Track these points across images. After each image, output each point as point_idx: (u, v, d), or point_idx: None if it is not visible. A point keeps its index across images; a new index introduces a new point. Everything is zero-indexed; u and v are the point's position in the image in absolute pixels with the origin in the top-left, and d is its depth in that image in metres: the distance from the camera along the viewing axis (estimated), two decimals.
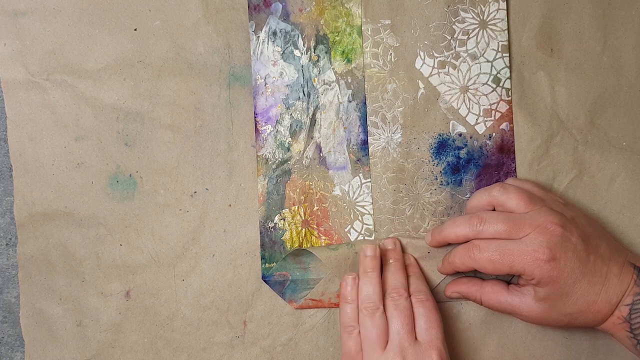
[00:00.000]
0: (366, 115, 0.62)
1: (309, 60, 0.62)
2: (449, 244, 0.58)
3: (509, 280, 0.59)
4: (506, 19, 0.61)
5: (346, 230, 0.61)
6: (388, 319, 0.56)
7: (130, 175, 0.62)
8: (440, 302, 0.61)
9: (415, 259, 0.61)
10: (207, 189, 0.62)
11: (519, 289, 0.56)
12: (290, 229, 0.61)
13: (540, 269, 0.53)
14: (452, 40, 0.61)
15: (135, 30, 0.62)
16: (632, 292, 0.54)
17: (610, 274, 0.54)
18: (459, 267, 0.57)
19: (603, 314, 0.54)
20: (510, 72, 0.61)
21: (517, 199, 0.56)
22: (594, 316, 0.54)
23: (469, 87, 0.61)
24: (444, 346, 0.56)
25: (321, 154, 0.62)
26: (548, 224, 0.54)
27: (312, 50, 0.62)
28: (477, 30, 0.61)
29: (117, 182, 0.62)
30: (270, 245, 0.61)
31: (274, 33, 0.62)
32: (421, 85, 0.61)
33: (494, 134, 0.61)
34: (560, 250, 0.53)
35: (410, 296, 0.58)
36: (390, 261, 0.60)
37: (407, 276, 0.59)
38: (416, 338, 0.56)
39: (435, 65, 0.61)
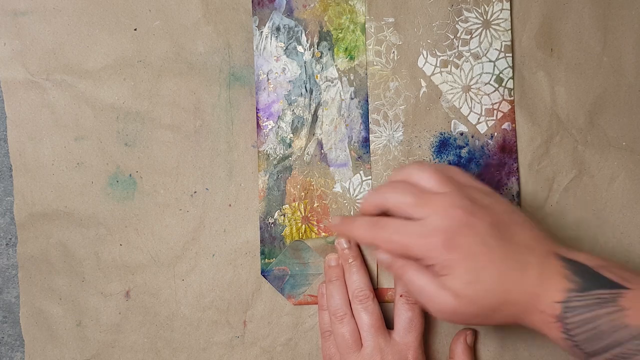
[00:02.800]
0: (368, 113, 0.59)
1: (312, 57, 0.59)
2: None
3: None
4: (510, 19, 0.58)
5: None
6: (357, 322, 0.54)
7: (130, 175, 0.59)
8: None
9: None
10: (207, 189, 0.59)
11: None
12: (290, 225, 0.59)
13: (435, 253, 0.46)
14: (455, 40, 0.58)
15: (135, 30, 0.60)
16: (562, 288, 0.45)
17: (529, 263, 0.46)
18: (357, 236, 0.52)
19: (523, 305, 0.45)
20: (513, 72, 0.58)
21: (430, 177, 0.49)
22: (513, 309, 0.46)
23: (471, 87, 0.58)
24: (421, 349, 0.55)
25: (322, 151, 0.59)
26: (452, 207, 0.47)
27: (315, 46, 0.59)
28: (480, 29, 0.58)
29: (117, 182, 0.59)
30: (270, 241, 0.59)
31: (278, 29, 0.59)
32: (423, 83, 0.58)
33: (495, 134, 0.58)
34: (460, 235, 0.46)
35: (399, 295, 0.55)
36: (350, 261, 0.56)
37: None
38: (392, 336, 0.54)
39: (438, 64, 0.58)
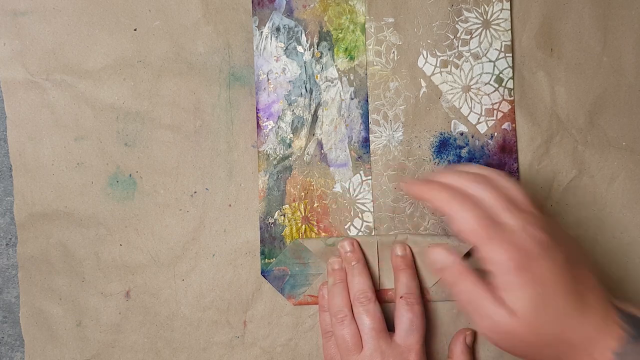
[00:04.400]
0: (368, 113, 0.58)
1: (312, 57, 0.59)
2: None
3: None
4: (510, 19, 0.58)
5: (346, 227, 0.58)
6: (358, 324, 0.54)
7: (130, 175, 0.59)
8: (438, 302, 0.58)
9: (412, 252, 0.57)
10: (207, 189, 0.59)
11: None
12: (290, 225, 0.58)
13: (506, 267, 0.44)
14: (455, 40, 0.58)
15: (135, 30, 0.59)
16: (618, 337, 0.43)
17: (590, 306, 0.44)
18: (436, 199, 0.48)
19: (575, 346, 0.44)
20: (513, 72, 0.58)
21: (520, 191, 0.47)
22: (564, 348, 0.44)
23: (471, 87, 0.58)
24: (423, 351, 0.54)
25: (322, 151, 0.59)
26: (540, 229, 0.45)
27: (315, 46, 0.59)
28: (480, 30, 0.58)
29: (117, 182, 0.59)
30: (269, 241, 0.58)
31: (278, 29, 0.59)
32: (423, 83, 0.58)
33: (495, 134, 0.58)
34: (538, 259, 0.44)
35: (399, 297, 0.55)
36: (353, 263, 0.57)
37: (399, 273, 0.56)
38: (393, 338, 0.54)
39: (438, 64, 0.58)
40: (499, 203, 0.46)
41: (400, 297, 0.54)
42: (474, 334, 0.57)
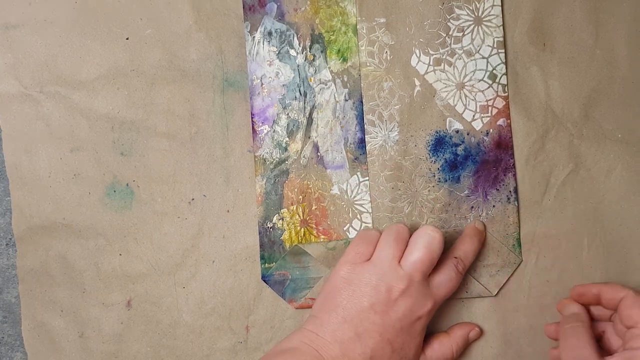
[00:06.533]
0: (363, 114, 0.58)
1: (305, 60, 0.58)
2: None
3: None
4: (501, 15, 0.57)
5: (345, 229, 0.58)
6: (411, 243, 0.52)
7: (127, 184, 0.59)
8: (450, 299, 0.57)
9: (485, 233, 0.57)
10: (204, 196, 0.59)
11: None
12: (289, 229, 0.58)
13: None
14: (447, 37, 0.58)
15: (127, 39, 0.59)
16: None
17: None
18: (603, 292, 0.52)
19: None
20: (506, 67, 0.57)
21: None
22: None
23: (465, 84, 0.57)
24: (435, 308, 0.53)
25: (319, 153, 0.58)
26: None
27: (308, 49, 0.58)
28: (472, 26, 0.58)
29: (115, 191, 0.59)
30: (269, 246, 0.58)
31: (270, 33, 0.58)
32: (417, 82, 0.58)
33: (491, 130, 0.57)
34: None
35: (453, 256, 0.54)
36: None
37: (465, 239, 0.56)
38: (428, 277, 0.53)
39: (431, 63, 0.58)
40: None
41: (455, 257, 0.53)
42: (480, 333, 0.56)
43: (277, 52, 0.58)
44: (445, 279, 0.52)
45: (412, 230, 0.53)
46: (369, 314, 0.50)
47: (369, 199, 0.58)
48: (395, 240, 0.51)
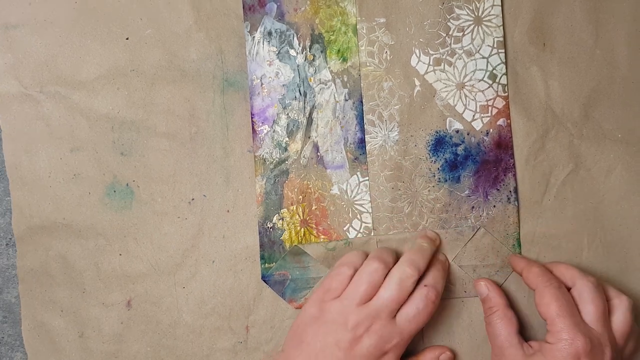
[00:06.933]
0: (363, 114, 0.58)
1: (305, 60, 0.58)
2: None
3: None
4: (501, 15, 0.57)
5: (345, 229, 0.58)
6: (386, 282, 0.52)
7: (127, 184, 0.59)
8: (442, 299, 0.56)
9: (448, 262, 0.57)
10: (204, 196, 0.58)
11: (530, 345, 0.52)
12: (289, 229, 0.58)
13: (564, 341, 0.49)
14: (447, 37, 0.58)
15: (127, 39, 0.59)
16: None
17: None
18: (527, 268, 0.54)
19: None
20: (506, 67, 0.57)
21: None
22: None
23: (465, 84, 0.57)
24: (407, 343, 0.52)
25: (318, 153, 0.58)
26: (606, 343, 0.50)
27: (308, 49, 0.58)
28: (472, 26, 0.57)
29: (115, 191, 0.59)
30: (269, 246, 0.58)
31: (269, 33, 0.58)
32: (417, 82, 0.58)
33: (491, 130, 0.57)
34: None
35: (423, 284, 0.53)
36: (424, 244, 0.56)
37: (432, 267, 0.55)
38: (395, 314, 0.52)
39: (431, 63, 0.58)
40: (592, 312, 0.50)
41: (425, 285, 0.53)
42: (452, 357, 0.56)
43: (277, 52, 0.58)
44: (413, 311, 0.51)
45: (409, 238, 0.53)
46: (334, 350, 0.50)
47: (369, 199, 0.57)
48: (367, 282, 0.52)
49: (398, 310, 0.51)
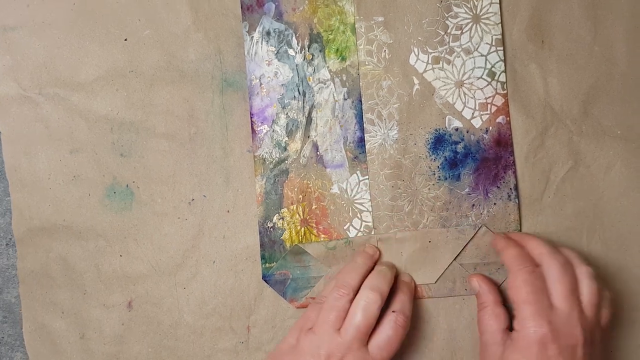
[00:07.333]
0: (362, 113, 0.58)
1: (304, 59, 0.58)
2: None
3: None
4: (499, 13, 0.57)
5: (345, 228, 0.58)
6: (350, 312, 0.52)
7: (127, 185, 0.59)
8: (443, 297, 0.57)
9: (414, 282, 0.57)
10: (204, 196, 0.58)
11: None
12: (290, 229, 0.58)
13: (534, 326, 0.49)
14: (445, 36, 0.57)
15: (125, 40, 0.59)
16: None
17: None
18: (504, 252, 0.54)
19: None
20: (505, 65, 0.57)
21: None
22: None
23: (464, 82, 0.57)
24: None
25: (318, 153, 0.58)
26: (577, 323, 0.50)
27: (306, 49, 0.58)
28: (470, 24, 0.57)
29: (114, 193, 0.59)
30: (269, 245, 0.58)
31: (268, 33, 0.58)
32: (416, 81, 0.57)
33: (490, 128, 0.57)
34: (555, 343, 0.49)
35: (391, 310, 0.54)
36: (382, 267, 0.56)
37: (398, 292, 0.55)
38: (366, 344, 0.52)
39: (430, 61, 0.57)
40: (559, 290, 0.50)
41: (393, 311, 0.53)
42: None
43: (275, 52, 0.58)
44: (384, 339, 0.52)
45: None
46: None
47: (369, 198, 0.57)
48: (334, 309, 0.52)
49: (370, 336, 0.52)
